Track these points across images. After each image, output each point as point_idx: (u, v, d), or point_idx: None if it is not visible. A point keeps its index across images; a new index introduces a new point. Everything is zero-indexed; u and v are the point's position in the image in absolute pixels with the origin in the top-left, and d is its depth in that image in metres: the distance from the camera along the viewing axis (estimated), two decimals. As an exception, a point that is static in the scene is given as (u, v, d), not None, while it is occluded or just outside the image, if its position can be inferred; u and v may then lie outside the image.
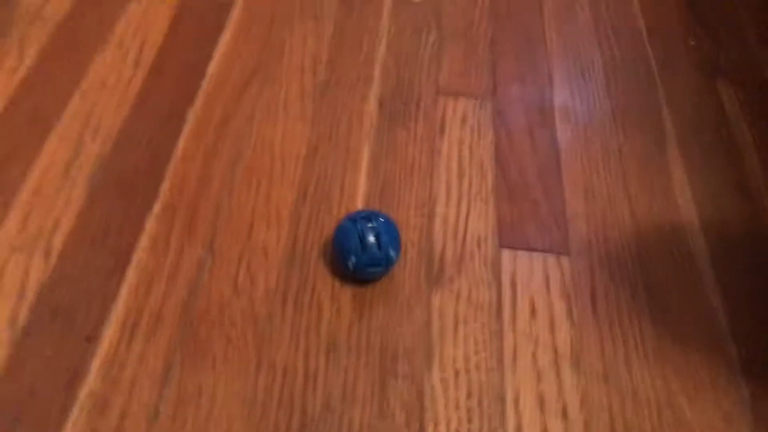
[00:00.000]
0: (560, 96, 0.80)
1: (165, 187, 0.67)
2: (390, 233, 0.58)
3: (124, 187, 0.67)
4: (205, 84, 0.77)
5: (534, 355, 0.57)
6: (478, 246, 0.64)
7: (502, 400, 0.54)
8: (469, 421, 0.53)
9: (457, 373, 0.56)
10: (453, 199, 0.68)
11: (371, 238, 0.57)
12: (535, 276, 0.62)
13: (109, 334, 0.57)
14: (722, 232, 0.68)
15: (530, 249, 0.61)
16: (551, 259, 0.63)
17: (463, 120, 0.76)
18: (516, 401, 0.54)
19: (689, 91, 0.81)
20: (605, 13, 0.90)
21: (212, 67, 0.79)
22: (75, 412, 0.52)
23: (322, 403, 0.54)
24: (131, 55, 0.79)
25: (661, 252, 0.66)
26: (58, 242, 0.62)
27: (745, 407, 0.57)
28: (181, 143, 0.71)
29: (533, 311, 0.60)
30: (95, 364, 0.55)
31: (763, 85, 0.83)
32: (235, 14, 0.85)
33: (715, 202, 0.71)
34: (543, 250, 0.59)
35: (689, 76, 0.83)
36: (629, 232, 0.68)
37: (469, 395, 0.54)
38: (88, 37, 0.81)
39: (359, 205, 0.67)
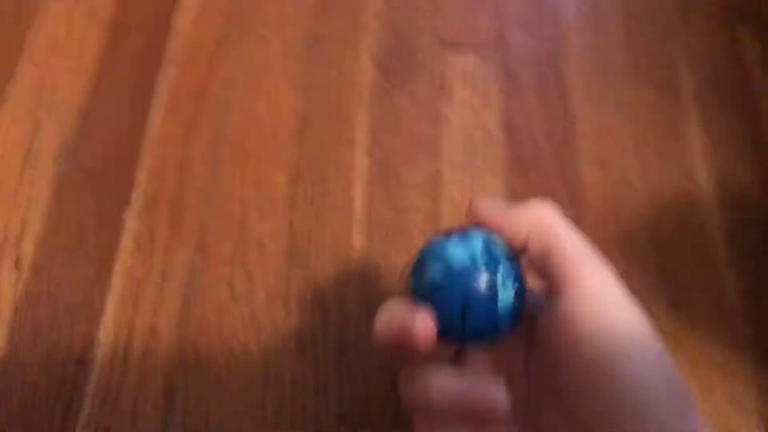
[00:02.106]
0: (573, 46, 0.73)
1: (141, 175, 0.60)
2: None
3: (95, 176, 0.60)
4: (174, 42, 0.67)
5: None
6: (489, 229, 0.60)
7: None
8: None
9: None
10: (458, 176, 0.63)
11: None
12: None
13: (101, 354, 0.53)
14: (738, 201, 0.65)
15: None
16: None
17: (468, 77, 0.69)
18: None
19: (707, 37, 0.75)
20: (617, -63, 0.81)
21: (181, 20, 0.69)
22: (74, 444, 0.49)
23: (335, 415, 0.52)
24: (82, 7, 0.69)
25: (674, 220, 0.63)
26: (28, 248, 0.56)
27: (750, 386, 0.57)
28: (154, 120, 0.63)
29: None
30: (90, 389, 0.51)
31: (786, 25, 0.76)
32: (199, -53, 0.74)
33: (731, 166, 0.67)
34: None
35: (707, 20, 0.76)
36: (642, 202, 0.64)
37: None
38: (27, -18, 0.69)
39: (357, 187, 0.62)
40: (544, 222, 0.32)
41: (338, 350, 0.55)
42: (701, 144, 0.68)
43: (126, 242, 0.57)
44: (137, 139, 0.62)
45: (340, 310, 0.56)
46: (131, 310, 0.54)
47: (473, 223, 0.34)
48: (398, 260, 0.58)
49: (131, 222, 0.58)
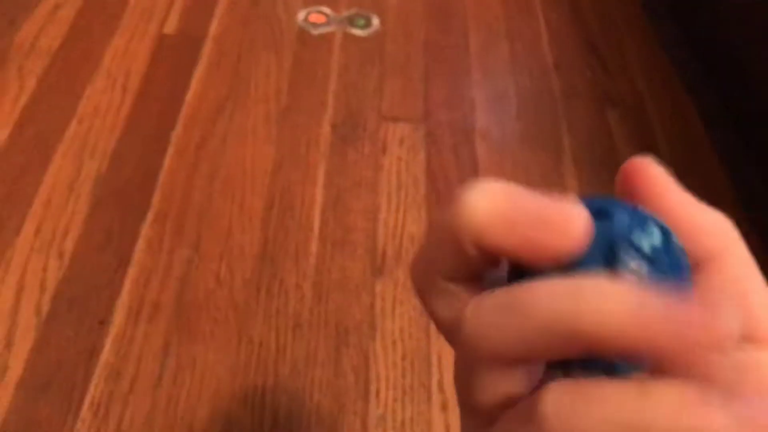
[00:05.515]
0: (480, 120, 0.97)
1: (155, 198, 0.81)
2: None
3: (121, 198, 0.81)
4: (184, 110, 0.91)
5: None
6: (413, 243, 0.81)
7: (428, 361, 0.71)
8: (403, 377, 0.70)
9: (394, 342, 0.73)
10: (392, 207, 0.85)
11: None
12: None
13: (118, 318, 0.71)
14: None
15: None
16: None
17: (401, 141, 0.92)
18: (439, 361, 0.71)
19: (584, 117, 1.00)
20: (520, 50, 1.09)
21: (189, 95, 0.93)
22: (95, 379, 0.67)
23: (290, 368, 0.70)
24: (119, 82, 0.93)
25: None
26: (69, 245, 0.76)
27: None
28: (167, 161, 0.85)
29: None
30: (108, 342, 0.69)
31: (642, 111, 1.02)
32: (207, 48, 1.00)
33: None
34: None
35: (585, 103, 1.02)
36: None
37: (403, 357, 0.71)
38: (80, 66, 0.94)
39: (316, 213, 0.83)
40: (724, 243, 0.18)
41: (294, 323, 0.73)
42: (577, 190, 0.91)
43: (140, 244, 0.77)
44: (153, 174, 0.83)
45: (297, 296, 0.75)
46: (142, 289, 0.73)
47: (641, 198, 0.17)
48: (344, 263, 0.78)
49: (145, 230, 0.78)
